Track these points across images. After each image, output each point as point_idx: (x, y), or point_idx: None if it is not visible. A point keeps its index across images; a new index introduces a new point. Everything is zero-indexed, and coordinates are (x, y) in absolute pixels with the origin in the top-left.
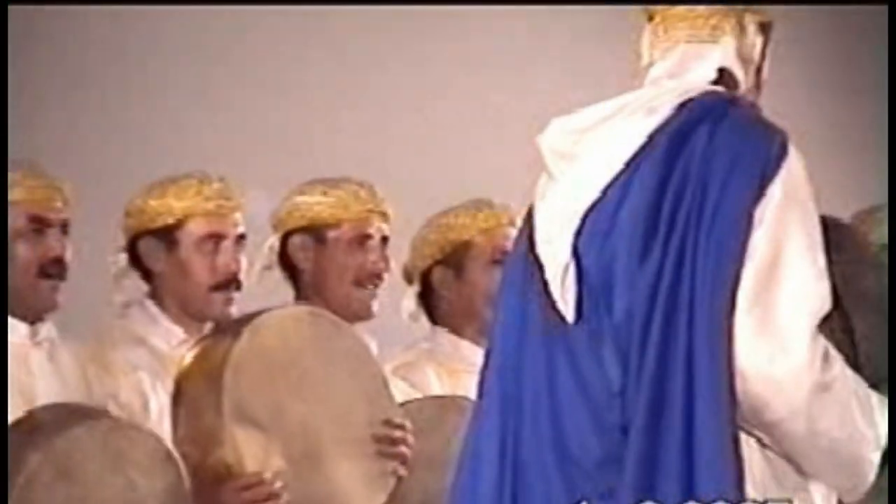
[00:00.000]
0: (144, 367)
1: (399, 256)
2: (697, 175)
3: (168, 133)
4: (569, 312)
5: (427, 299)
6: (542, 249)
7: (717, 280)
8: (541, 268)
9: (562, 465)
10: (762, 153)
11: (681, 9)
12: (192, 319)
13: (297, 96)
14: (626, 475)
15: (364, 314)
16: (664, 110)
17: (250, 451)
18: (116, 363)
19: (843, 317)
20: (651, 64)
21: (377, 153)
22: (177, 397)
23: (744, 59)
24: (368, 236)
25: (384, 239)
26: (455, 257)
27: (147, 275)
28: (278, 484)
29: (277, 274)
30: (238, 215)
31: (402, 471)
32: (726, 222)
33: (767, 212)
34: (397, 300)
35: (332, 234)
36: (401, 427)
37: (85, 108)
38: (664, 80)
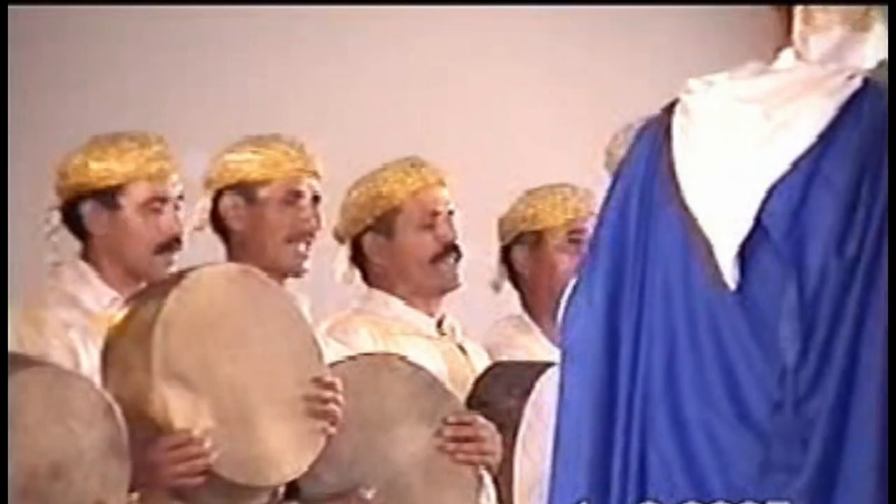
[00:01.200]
0: (76, 327)
1: (336, 215)
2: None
3: (102, 92)
4: (732, 280)
5: (360, 262)
6: (707, 215)
7: None
8: (694, 227)
9: (739, 429)
10: None
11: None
12: (133, 281)
13: (236, 55)
14: (810, 454)
15: (296, 270)
16: (842, 93)
17: (179, 410)
18: (48, 322)
19: None
20: (804, 40)
21: (317, 112)
22: (106, 356)
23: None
24: (299, 194)
25: (315, 197)
26: (385, 222)
27: (83, 235)
28: (207, 443)
29: (210, 233)
30: (175, 176)
31: (332, 430)
32: None
33: None
34: (333, 258)
35: (262, 192)
36: (330, 386)
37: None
38: (827, 62)
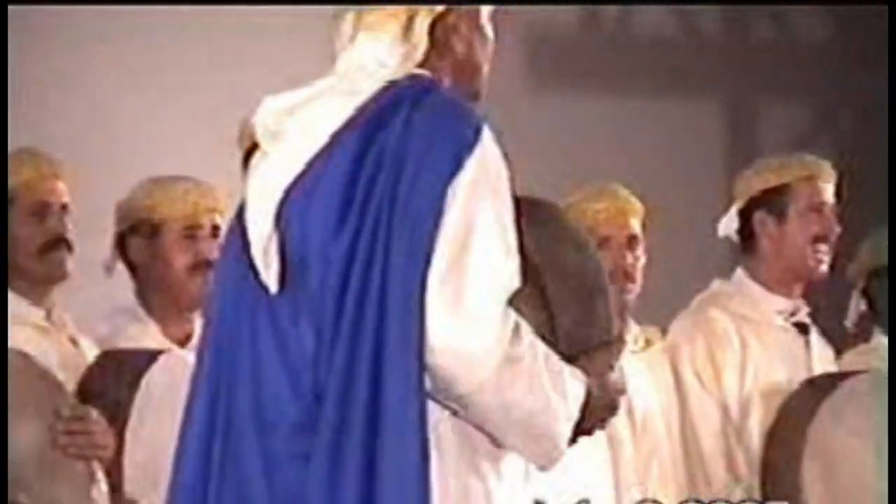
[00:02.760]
0: None
1: None
2: (394, 154)
3: None
4: (272, 283)
5: None
6: (249, 223)
7: (411, 256)
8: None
9: (260, 429)
10: (457, 135)
11: (367, 7)
12: None
13: None
14: (318, 441)
15: None
16: (366, 92)
17: None
18: None
19: (542, 292)
20: (337, 46)
21: None
22: None
23: (405, 56)
24: None
25: None
26: None
27: None
28: None
29: None
30: None
31: None
32: (421, 200)
33: (459, 192)
34: None
35: None
36: None
37: None
38: (358, 68)
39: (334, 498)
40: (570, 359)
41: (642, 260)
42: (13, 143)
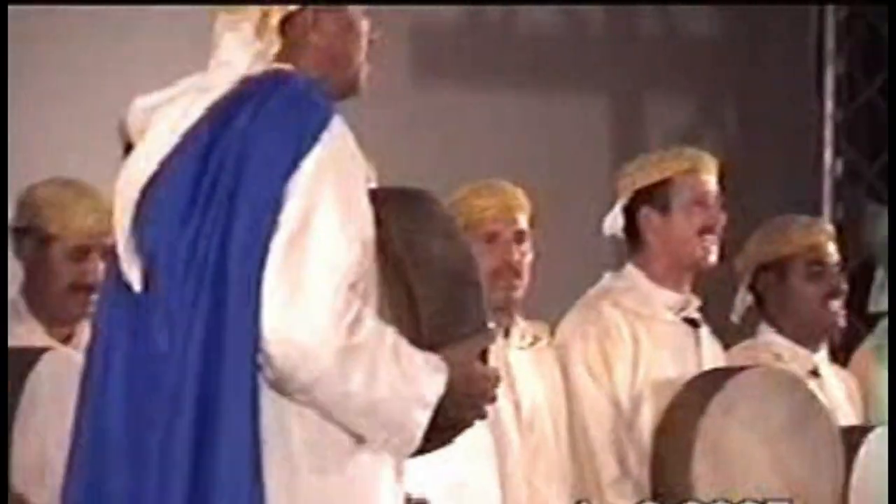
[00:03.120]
0: None
1: None
2: (238, 149)
3: None
4: (135, 282)
5: None
6: (114, 222)
7: (249, 253)
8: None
9: (134, 424)
10: (299, 128)
11: (232, 8)
12: None
13: None
14: (153, 438)
15: None
16: (220, 88)
17: None
18: None
19: (406, 282)
20: (213, 51)
21: None
22: None
23: (259, 53)
24: None
25: None
26: None
27: None
28: None
29: None
30: None
31: None
32: (260, 193)
33: (300, 183)
34: None
35: None
36: None
37: None
38: (219, 65)
39: (163, 498)
40: (433, 348)
41: (529, 255)
42: None
